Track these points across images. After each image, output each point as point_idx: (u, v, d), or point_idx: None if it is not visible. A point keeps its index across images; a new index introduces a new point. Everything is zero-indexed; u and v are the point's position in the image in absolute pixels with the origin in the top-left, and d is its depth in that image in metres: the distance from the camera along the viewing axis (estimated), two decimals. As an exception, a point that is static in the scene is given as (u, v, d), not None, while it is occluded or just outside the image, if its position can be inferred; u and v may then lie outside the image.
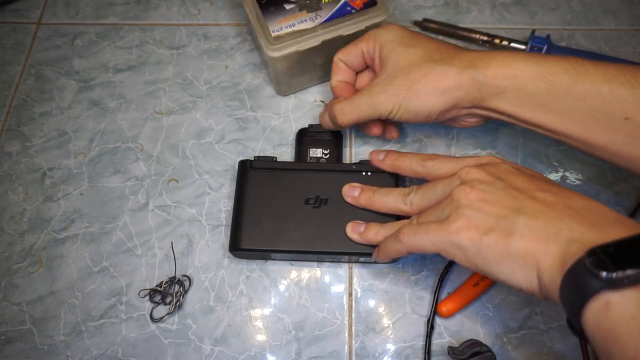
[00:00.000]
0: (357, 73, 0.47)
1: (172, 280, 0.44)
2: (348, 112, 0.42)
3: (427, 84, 0.39)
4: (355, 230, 0.41)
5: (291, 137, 0.51)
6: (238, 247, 0.42)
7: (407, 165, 0.41)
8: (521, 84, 0.38)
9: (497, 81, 0.38)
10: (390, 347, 0.42)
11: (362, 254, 0.41)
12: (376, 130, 0.47)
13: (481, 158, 0.38)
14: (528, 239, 0.30)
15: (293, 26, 0.45)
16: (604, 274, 0.25)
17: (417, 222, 0.37)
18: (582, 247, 0.28)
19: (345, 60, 0.45)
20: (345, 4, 0.46)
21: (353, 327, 0.43)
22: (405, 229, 0.36)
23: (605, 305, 0.26)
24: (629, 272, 0.25)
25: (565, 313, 0.29)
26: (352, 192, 0.43)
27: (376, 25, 0.47)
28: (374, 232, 0.40)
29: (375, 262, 0.44)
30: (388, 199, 0.41)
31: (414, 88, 0.39)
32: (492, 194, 0.33)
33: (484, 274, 0.33)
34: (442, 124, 0.46)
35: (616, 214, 0.31)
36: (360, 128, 0.49)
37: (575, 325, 0.28)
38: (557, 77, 0.37)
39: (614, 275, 0.25)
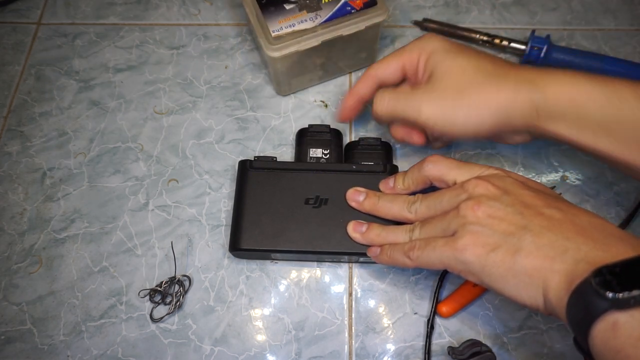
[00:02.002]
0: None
1: (172, 280, 0.44)
2: (386, 102, 0.39)
3: (480, 96, 0.36)
4: (357, 230, 0.41)
5: (291, 137, 0.51)
6: (238, 247, 0.42)
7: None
8: (584, 108, 0.34)
9: (557, 103, 0.35)
10: (390, 347, 0.42)
11: (362, 254, 0.41)
12: (417, 138, 0.42)
13: (484, 170, 0.37)
14: (535, 257, 0.30)
15: (293, 26, 0.45)
16: (610, 294, 0.26)
17: (421, 232, 0.37)
18: (589, 266, 0.28)
19: (381, 74, 0.42)
20: (345, 4, 0.46)
21: (353, 327, 0.43)
22: (413, 247, 0.36)
23: (613, 325, 0.26)
24: (635, 292, 0.25)
25: (572, 332, 0.29)
26: (357, 197, 0.42)
27: (376, 26, 0.47)
28: (376, 234, 0.40)
29: (375, 262, 0.43)
30: (393, 206, 0.40)
31: (464, 98, 0.36)
32: (500, 210, 0.33)
33: (489, 288, 0.33)
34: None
35: (621, 232, 0.31)
36: (398, 134, 0.43)
37: (582, 345, 0.28)
38: (626, 103, 0.33)
39: (620, 295, 0.25)
